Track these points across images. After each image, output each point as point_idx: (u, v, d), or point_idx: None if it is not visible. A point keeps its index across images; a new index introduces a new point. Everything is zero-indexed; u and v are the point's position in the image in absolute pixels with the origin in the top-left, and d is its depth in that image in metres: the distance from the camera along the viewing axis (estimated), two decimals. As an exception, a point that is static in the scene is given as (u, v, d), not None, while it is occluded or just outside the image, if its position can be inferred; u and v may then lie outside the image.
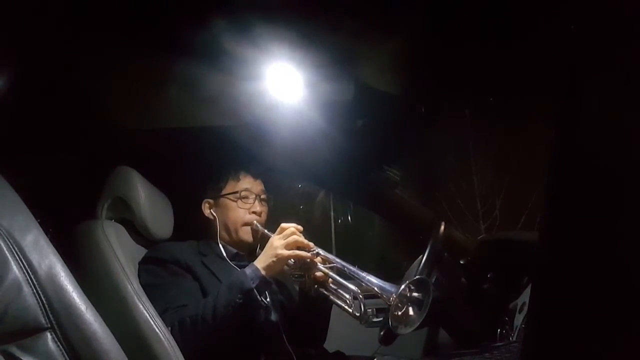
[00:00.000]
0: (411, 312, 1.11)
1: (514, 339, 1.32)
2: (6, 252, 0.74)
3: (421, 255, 1.51)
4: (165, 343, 1.10)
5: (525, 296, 1.40)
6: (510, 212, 8.47)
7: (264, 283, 1.21)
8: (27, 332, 0.73)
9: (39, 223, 0.82)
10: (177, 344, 1.13)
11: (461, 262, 1.79)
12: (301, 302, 1.38)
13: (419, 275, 1.39)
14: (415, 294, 1.12)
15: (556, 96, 0.56)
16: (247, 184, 1.48)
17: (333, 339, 1.47)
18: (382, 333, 1.50)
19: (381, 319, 1.85)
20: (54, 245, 0.81)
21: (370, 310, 1.95)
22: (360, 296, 1.17)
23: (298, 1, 1.11)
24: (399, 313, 1.11)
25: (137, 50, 1.21)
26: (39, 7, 1.01)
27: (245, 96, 1.36)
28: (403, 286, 1.08)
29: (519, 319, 1.36)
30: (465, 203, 8.89)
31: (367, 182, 1.83)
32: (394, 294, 1.07)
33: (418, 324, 1.09)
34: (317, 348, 1.42)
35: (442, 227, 1.56)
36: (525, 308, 1.32)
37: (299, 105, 1.43)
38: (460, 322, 1.62)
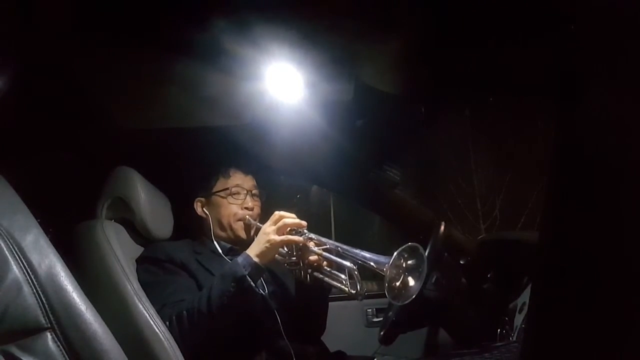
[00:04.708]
0: (410, 282, 1.11)
1: (514, 339, 1.32)
2: (6, 252, 0.74)
3: (421, 255, 1.51)
4: (165, 343, 1.10)
5: (525, 296, 1.40)
6: (510, 212, 8.48)
7: (256, 270, 1.21)
8: (27, 332, 0.73)
9: (39, 223, 0.82)
10: (176, 339, 1.13)
11: (461, 262, 1.79)
12: (298, 292, 1.38)
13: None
14: (409, 262, 1.12)
15: (556, 96, 0.56)
16: (238, 180, 1.49)
17: (333, 339, 1.47)
18: (382, 333, 1.50)
19: (381, 319, 1.85)
20: (54, 245, 0.81)
21: (370, 310, 1.96)
22: (356, 272, 1.17)
23: (298, 1, 1.11)
24: (397, 284, 1.11)
25: (136, 50, 1.21)
26: (38, 7, 1.01)
27: (245, 96, 1.36)
28: (395, 254, 1.08)
29: (519, 319, 1.36)
30: (465, 203, 8.90)
31: (367, 182, 1.83)
32: (387, 264, 1.08)
33: (417, 291, 1.09)
34: (316, 340, 1.41)
35: (442, 227, 1.56)
36: (525, 308, 1.32)
37: (299, 105, 1.42)
38: (460, 322, 1.62)
